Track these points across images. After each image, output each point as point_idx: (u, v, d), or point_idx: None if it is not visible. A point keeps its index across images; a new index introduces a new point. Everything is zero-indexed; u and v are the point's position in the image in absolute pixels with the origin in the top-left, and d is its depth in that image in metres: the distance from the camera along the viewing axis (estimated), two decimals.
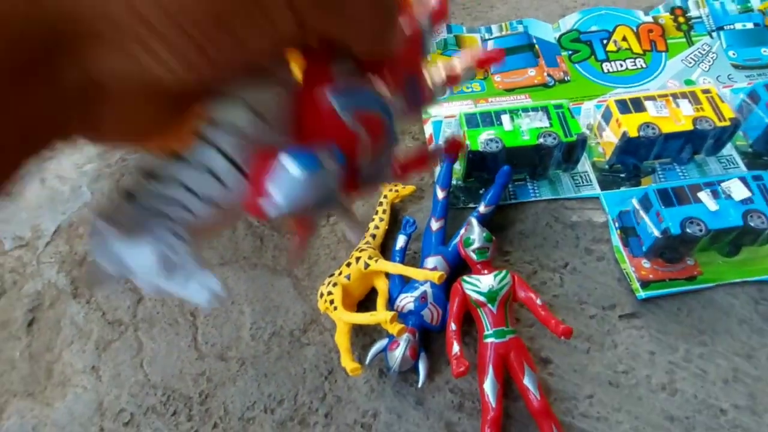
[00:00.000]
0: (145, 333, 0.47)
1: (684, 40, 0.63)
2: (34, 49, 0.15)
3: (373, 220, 0.49)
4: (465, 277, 0.43)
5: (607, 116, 0.53)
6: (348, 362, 0.40)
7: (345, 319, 0.42)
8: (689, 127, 0.50)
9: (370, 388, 0.42)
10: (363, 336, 0.45)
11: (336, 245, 0.50)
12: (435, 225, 0.48)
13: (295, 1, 0.17)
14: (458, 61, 0.29)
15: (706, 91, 0.52)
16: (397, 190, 0.51)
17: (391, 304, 0.45)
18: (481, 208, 0.49)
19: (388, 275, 0.46)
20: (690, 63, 0.61)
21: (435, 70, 0.28)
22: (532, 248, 0.49)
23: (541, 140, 0.49)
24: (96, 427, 0.42)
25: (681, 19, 0.64)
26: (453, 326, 0.41)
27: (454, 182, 0.52)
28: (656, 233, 0.45)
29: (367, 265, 0.44)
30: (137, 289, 0.49)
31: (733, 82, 0.59)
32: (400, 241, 0.48)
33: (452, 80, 0.28)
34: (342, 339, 0.42)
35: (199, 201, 0.19)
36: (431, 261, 0.46)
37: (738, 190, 0.45)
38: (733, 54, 0.61)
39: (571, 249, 0.49)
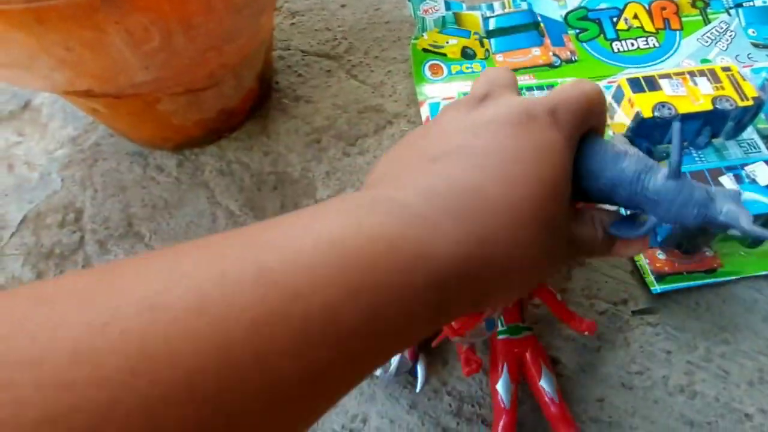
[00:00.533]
0: None
1: (700, 17, 0.59)
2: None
3: None
4: None
5: (618, 96, 0.49)
6: None
7: None
8: (708, 106, 0.46)
9: (360, 391, 0.38)
10: None
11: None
12: None
13: None
14: None
15: (726, 69, 0.48)
16: None
17: None
18: None
19: None
20: (706, 42, 0.57)
21: None
22: None
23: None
24: None
25: None
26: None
27: None
28: None
29: None
30: None
31: (753, 62, 0.55)
32: None
33: None
34: None
35: None
36: None
37: (763, 174, 0.41)
38: (753, 32, 0.57)
39: None
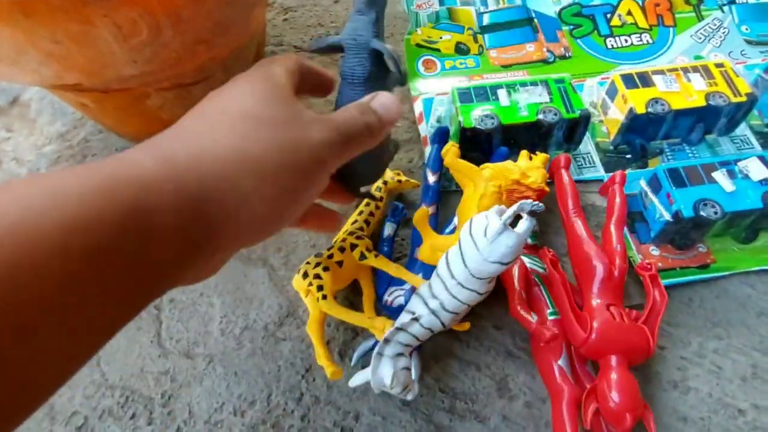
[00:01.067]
0: None
1: (693, 14, 0.58)
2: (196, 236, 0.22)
3: (368, 204, 0.44)
4: (522, 255, 0.41)
5: (611, 92, 0.49)
6: (325, 361, 0.36)
7: (333, 312, 0.37)
8: (701, 102, 0.46)
9: (352, 388, 0.38)
10: (345, 330, 0.41)
11: (316, 232, 0.46)
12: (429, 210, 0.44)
13: None
14: None
15: (719, 65, 0.48)
16: (399, 180, 0.46)
17: (378, 298, 0.41)
18: None
19: (373, 268, 0.41)
20: (700, 38, 0.57)
21: None
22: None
23: (541, 116, 0.45)
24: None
25: None
26: (519, 302, 0.38)
27: None
28: (667, 216, 0.41)
29: (363, 257, 0.39)
30: None
31: (746, 59, 0.55)
32: (388, 228, 0.43)
33: None
34: (315, 328, 0.37)
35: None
36: None
37: (757, 170, 0.41)
38: (746, 29, 0.57)
39: None
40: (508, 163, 0.41)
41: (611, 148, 0.49)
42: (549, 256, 0.39)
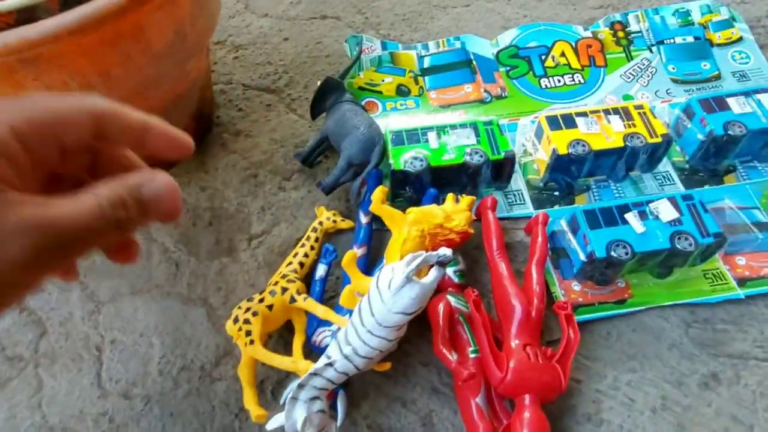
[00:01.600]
0: (46, 369, 0.44)
1: (623, 55, 0.62)
2: None
3: (303, 246, 0.46)
4: (448, 294, 0.42)
5: (539, 133, 0.51)
6: (252, 404, 0.38)
7: (260, 357, 0.39)
8: (620, 143, 0.48)
9: (282, 427, 0.39)
10: (278, 370, 0.42)
11: (255, 271, 0.48)
12: (358, 252, 0.46)
13: None
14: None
15: (638, 107, 0.51)
16: (334, 221, 0.48)
17: (308, 338, 0.42)
18: None
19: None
20: (629, 78, 0.60)
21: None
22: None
23: (467, 158, 0.47)
24: None
25: (620, 34, 0.63)
26: (441, 341, 0.40)
27: None
28: (582, 257, 0.43)
29: (293, 300, 0.41)
30: (41, 322, 0.46)
31: (671, 97, 0.58)
32: (320, 270, 0.45)
33: None
34: (246, 372, 0.39)
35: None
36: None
37: (666, 211, 0.44)
38: (673, 68, 0.60)
39: None
40: (434, 207, 0.44)
41: (541, 185, 0.52)
42: (473, 297, 0.41)
